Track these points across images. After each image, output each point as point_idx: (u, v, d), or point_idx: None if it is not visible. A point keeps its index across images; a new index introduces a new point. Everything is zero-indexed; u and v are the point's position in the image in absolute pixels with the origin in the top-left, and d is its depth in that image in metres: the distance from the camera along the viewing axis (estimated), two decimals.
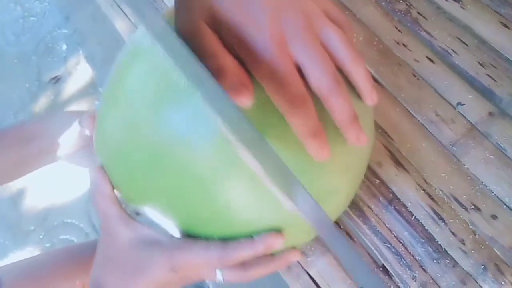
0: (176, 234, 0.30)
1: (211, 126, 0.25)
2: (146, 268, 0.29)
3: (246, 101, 0.23)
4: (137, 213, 0.32)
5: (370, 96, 0.27)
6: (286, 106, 0.24)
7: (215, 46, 0.24)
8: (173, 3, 0.28)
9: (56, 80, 1.47)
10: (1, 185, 0.41)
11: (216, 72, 0.23)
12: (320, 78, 0.24)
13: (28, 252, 1.30)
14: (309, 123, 0.24)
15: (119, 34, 0.58)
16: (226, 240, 0.29)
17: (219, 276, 0.29)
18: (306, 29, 0.24)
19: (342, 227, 0.40)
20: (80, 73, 1.43)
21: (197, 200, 0.27)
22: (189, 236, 0.30)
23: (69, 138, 0.39)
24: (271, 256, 0.30)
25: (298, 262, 0.40)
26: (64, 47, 1.50)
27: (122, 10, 0.57)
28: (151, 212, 0.30)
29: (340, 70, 0.26)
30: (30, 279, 0.40)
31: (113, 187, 0.31)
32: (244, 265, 0.29)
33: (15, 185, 1.39)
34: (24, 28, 1.61)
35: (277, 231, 0.29)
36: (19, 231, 1.34)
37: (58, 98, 1.44)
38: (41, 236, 1.30)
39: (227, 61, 0.24)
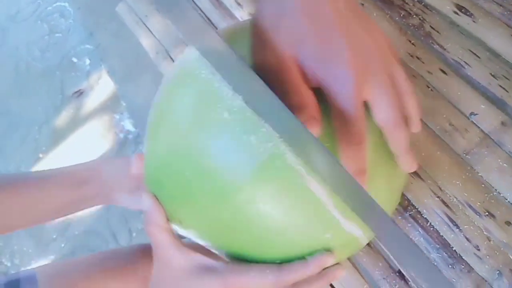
0: (228, 260, 0.31)
1: (280, 180, 0.27)
2: None
3: (315, 132, 0.25)
4: (189, 239, 0.33)
5: (417, 125, 0.30)
6: (344, 141, 0.26)
7: (299, 83, 0.26)
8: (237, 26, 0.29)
9: (79, 94, 1.52)
10: (46, 222, 0.42)
11: (297, 106, 0.25)
12: (389, 113, 0.27)
13: (49, 260, 1.33)
14: (357, 162, 0.26)
15: (140, 49, 0.61)
16: (279, 263, 0.30)
17: None
18: (382, 66, 0.27)
19: None
20: (102, 87, 1.48)
21: (255, 240, 0.29)
22: (240, 260, 0.31)
23: (119, 181, 0.41)
24: (318, 274, 0.31)
25: None
26: (87, 62, 1.55)
27: (147, 27, 0.60)
28: (201, 237, 0.31)
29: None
30: (65, 280, 0.42)
31: (166, 216, 0.32)
32: (293, 284, 0.30)
33: None
34: (49, 44, 1.68)
35: (328, 250, 0.30)
36: (41, 239, 1.38)
37: (81, 111, 1.49)
38: (62, 245, 1.34)
39: (308, 97, 0.26)
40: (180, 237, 0.33)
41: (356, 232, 0.29)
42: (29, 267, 1.43)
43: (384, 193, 0.31)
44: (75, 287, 0.42)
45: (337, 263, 0.32)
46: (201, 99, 0.28)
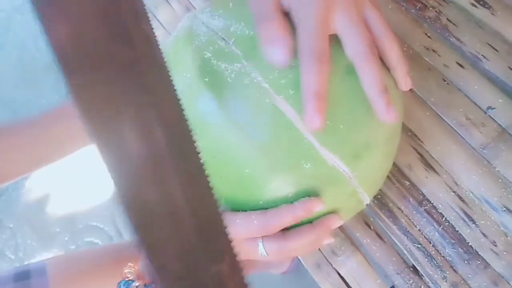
0: None
1: (250, 98, 0.27)
2: None
3: (282, 60, 0.26)
4: None
5: (403, 78, 0.29)
6: (306, 60, 0.26)
7: (274, 8, 0.27)
8: None
9: None
10: (49, 163, 0.42)
11: (266, 19, 0.26)
12: (357, 45, 0.26)
13: (53, 254, 1.33)
14: (317, 81, 0.25)
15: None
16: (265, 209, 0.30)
17: (261, 248, 0.30)
18: (353, 2, 0.27)
19: (372, 227, 0.40)
20: None
21: (234, 171, 0.29)
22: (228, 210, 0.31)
23: None
24: (310, 223, 0.30)
25: (328, 261, 0.41)
26: None
27: (157, 19, 0.59)
28: None
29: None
30: (76, 271, 0.42)
31: None
32: (284, 234, 0.30)
33: (41, 188, 1.43)
34: None
35: (316, 194, 0.29)
36: (46, 233, 1.38)
37: None
38: (66, 238, 1.34)
39: (280, 16, 0.27)
40: None
41: (340, 166, 0.29)
42: (33, 260, 1.43)
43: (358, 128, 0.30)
44: (87, 278, 0.42)
45: (333, 213, 0.31)
46: (180, 39, 0.31)
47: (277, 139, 0.27)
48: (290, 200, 0.29)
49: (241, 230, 0.29)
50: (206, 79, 0.28)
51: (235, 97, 0.27)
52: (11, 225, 1.44)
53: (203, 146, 0.28)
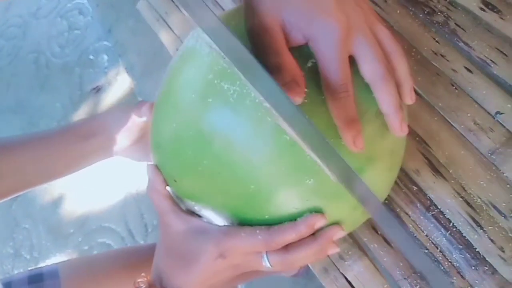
0: (223, 223, 0.32)
1: (252, 118, 0.28)
2: (197, 255, 0.31)
3: (297, 97, 0.26)
4: (188, 209, 0.34)
5: (409, 93, 0.30)
6: (330, 92, 0.27)
7: (280, 44, 0.27)
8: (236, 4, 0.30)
9: (97, 90, 1.54)
10: (59, 178, 0.44)
11: (275, 68, 0.26)
12: (374, 66, 0.27)
13: (67, 254, 1.35)
14: (347, 110, 0.26)
15: (158, 46, 0.62)
16: (270, 225, 0.30)
17: (265, 261, 0.30)
18: (364, 21, 0.28)
19: (379, 232, 0.40)
20: (119, 83, 1.50)
21: (239, 187, 0.29)
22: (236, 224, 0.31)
23: (125, 132, 0.42)
24: (313, 235, 0.31)
25: (335, 266, 0.42)
26: (105, 58, 1.57)
27: (167, 24, 0.60)
28: (200, 205, 0.32)
29: None
30: (87, 275, 0.43)
31: (166, 184, 0.34)
32: (286, 247, 0.30)
33: (56, 190, 1.46)
34: (68, 40, 1.70)
35: (318, 209, 0.30)
36: (60, 234, 1.40)
37: (99, 107, 1.51)
38: (79, 239, 1.36)
39: (287, 59, 0.27)
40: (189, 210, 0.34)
41: None
42: (47, 260, 1.46)
43: (379, 153, 0.30)
44: (98, 282, 0.43)
45: (336, 224, 0.32)
46: (184, 59, 0.31)
47: (280, 157, 0.28)
48: (294, 214, 0.30)
49: (246, 244, 0.30)
50: (210, 100, 0.29)
51: (237, 117, 0.28)
52: (27, 226, 1.47)
53: (209, 163, 0.29)
